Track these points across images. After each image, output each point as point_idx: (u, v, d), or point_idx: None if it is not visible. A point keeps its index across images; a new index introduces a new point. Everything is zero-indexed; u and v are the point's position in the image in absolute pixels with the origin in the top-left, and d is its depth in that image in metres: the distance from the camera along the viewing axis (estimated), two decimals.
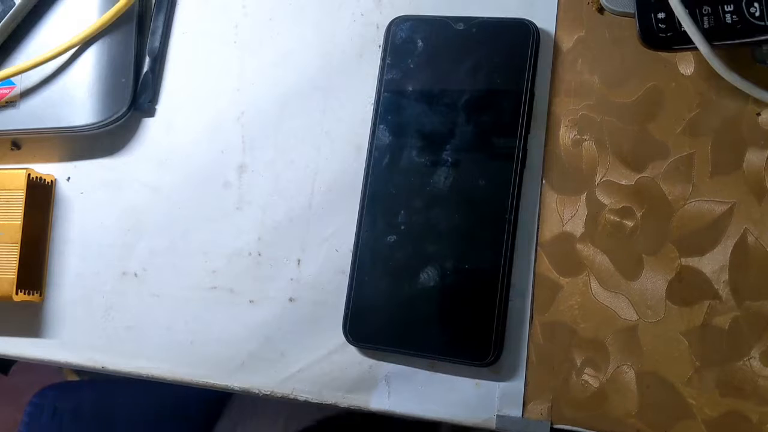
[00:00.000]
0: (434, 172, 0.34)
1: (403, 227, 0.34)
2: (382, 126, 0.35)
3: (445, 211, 0.33)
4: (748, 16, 0.28)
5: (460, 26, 0.34)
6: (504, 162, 0.33)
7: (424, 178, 0.34)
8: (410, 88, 0.35)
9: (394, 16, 0.36)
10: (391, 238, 0.34)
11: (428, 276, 0.33)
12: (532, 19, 0.34)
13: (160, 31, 0.40)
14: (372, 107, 0.36)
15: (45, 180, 0.40)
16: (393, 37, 0.36)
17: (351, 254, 0.35)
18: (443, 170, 0.34)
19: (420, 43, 0.35)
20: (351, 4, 0.38)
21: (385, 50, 0.36)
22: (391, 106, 0.35)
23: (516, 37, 0.34)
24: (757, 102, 0.31)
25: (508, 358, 0.33)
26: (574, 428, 0.32)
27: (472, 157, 0.33)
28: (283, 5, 0.39)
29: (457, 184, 0.33)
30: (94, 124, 0.39)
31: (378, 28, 0.37)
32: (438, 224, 0.33)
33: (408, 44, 0.35)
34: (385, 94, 0.35)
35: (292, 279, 0.36)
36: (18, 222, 0.38)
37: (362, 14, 0.38)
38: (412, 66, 0.35)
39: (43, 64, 0.39)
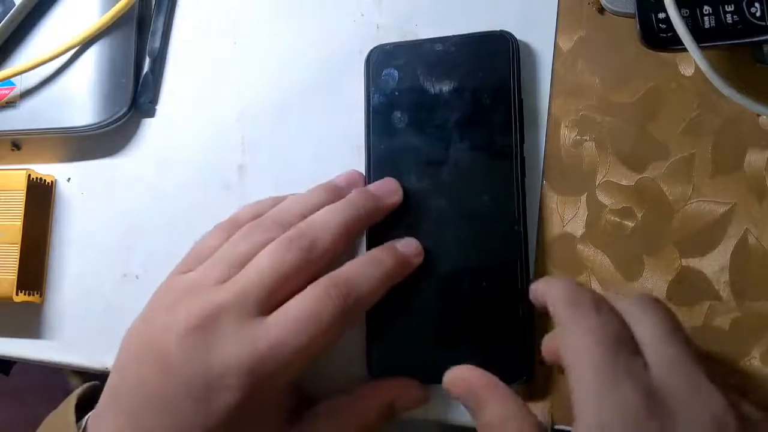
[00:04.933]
0: (434, 196, 0.33)
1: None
2: (374, 158, 0.34)
3: (453, 231, 0.33)
4: (748, 16, 0.28)
5: (439, 47, 0.34)
6: (504, 173, 0.33)
7: (425, 202, 0.33)
8: (399, 117, 0.34)
9: (394, 19, 0.36)
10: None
11: (447, 298, 0.32)
12: (532, 19, 0.34)
13: (160, 32, 0.40)
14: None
15: (45, 180, 0.40)
16: (374, 68, 0.35)
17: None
18: (443, 193, 0.33)
19: (401, 71, 0.35)
20: (351, 4, 0.38)
21: (368, 81, 0.35)
22: (381, 138, 0.34)
23: (495, 49, 0.33)
24: None
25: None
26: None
27: (471, 175, 0.33)
28: (283, 5, 0.39)
29: (460, 203, 0.33)
30: (94, 124, 0.39)
31: (378, 28, 0.37)
32: (447, 247, 0.33)
33: (390, 73, 0.35)
34: (374, 127, 0.35)
35: None
36: (18, 222, 0.38)
37: (362, 14, 0.38)
38: (397, 94, 0.35)
39: (43, 65, 0.39)
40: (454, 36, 0.34)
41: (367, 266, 0.30)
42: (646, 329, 0.25)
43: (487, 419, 0.27)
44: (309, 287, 0.28)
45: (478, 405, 0.28)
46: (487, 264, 0.32)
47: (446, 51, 0.34)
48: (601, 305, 0.26)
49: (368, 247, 0.33)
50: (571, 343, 0.25)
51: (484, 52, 0.34)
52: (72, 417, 0.30)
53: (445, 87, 0.34)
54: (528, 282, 0.31)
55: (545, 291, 0.28)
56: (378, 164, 0.34)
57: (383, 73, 0.35)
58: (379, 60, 0.35)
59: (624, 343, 0.25)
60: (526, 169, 0.33)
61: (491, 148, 0.33)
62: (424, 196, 0.33)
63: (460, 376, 0.29)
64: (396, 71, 0.35)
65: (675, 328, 0.26)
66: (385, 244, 0.31)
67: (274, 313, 0.28)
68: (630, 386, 0.23)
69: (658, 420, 0.23)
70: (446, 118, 0.34)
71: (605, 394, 0.23)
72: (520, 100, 0.33)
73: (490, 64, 0.33)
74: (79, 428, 0.29)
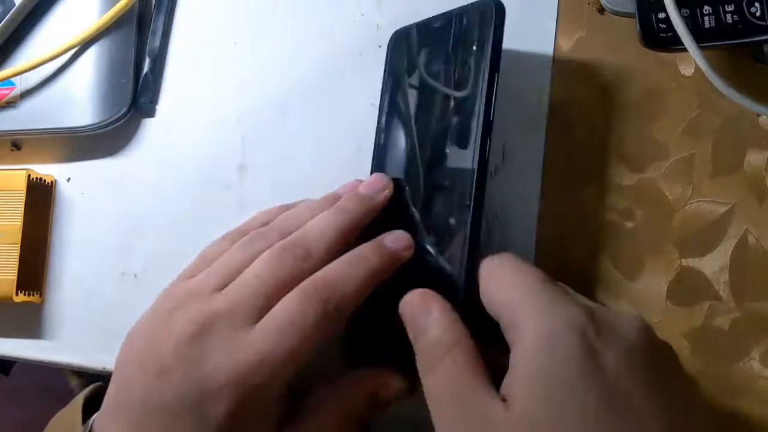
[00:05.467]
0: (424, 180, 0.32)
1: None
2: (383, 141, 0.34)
3: (424, 212, 0.31)
4: (748, 16, 0.28)
5: (438, 24, 0.33)
6: (463, 141, 0.30)
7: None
8: (410, 101, 0.34)
9: (394, 19, 0.36)
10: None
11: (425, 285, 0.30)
12: (532, 19, 0.34)
13: (160, 32, 0.40)
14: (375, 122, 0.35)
15: (45, 180, 0.40)
16: (390, 52, 0.35)
17: None
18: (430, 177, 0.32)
19: (410, 51, 0.34)
20: (351, 4, 0.38)
21: (385, 67, 0.35)
22: (390, 124, 0.34)
23: (481, 19, 0.31)
24: None
25: None
26: None
27: (441, 154, 0.31)
28: (283, 6, 0.39)
29: (430, 183, 0.31)
30: (94, 124, 0.39)
31: (378, 28, 0.37)
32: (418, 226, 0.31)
33: (399, 55, 0.35)
34: (387, 111, 0.34)
35: None
36: (18, 223, 0.38)
37: (362, 14, 0.38)
38: (408, 76, 0.34)
39: (43, 65, 0.39)
40: (447, 12, 0.33)
41: (351, 266, 0.29)
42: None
43: (422, 346, 0.27)
44: (292, 292, 0.28)
45: (414, 329, 0.28)
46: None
47: (442, 26, 0.33)
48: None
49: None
50: (505, 283, 0.27)
51: (472, 22, 0.32)
52: (79, 418, 0.30)
53: (445, 62, 0.33)
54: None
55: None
56: (385, 147, 0.34)
57: (395, 56, 0.35)
58: (394, 43, 0.35)
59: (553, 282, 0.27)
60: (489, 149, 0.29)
61: (459, 124, 0.31)
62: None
63: (404, 299, 0.29)
64: (405, 53, 0.35)
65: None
66: (374, 240, 0.31)
67: (262, 321, 0.28)
68: (574, 304, 0.25)
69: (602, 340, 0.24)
70: (448, 94, 0.32)
71: (550, 310, 0.25)
72: (495, 65, 0.30)
73: (477, 33, 0.31)
74: (85, 429, 0.29)
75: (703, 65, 0.28)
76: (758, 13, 0.28)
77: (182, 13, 0.41)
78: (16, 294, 0.37)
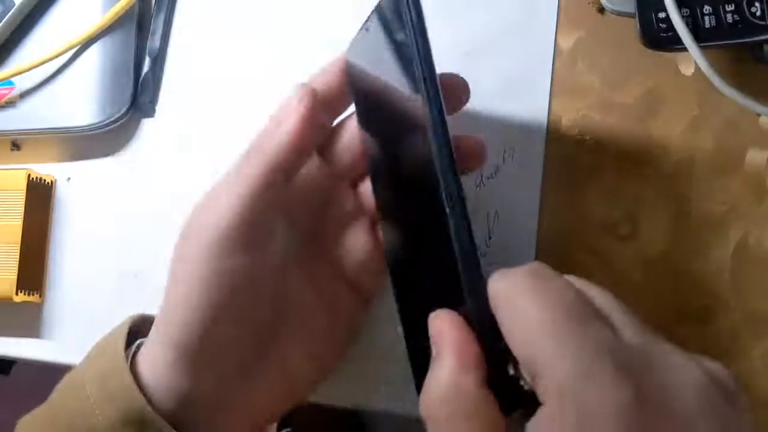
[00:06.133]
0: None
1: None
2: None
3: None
4: (748, 15, 0.28)
5: (367, 28, 0.30)
6: (421, 152, 0.26)
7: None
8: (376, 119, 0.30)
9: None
10: None
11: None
12: (532, 19, 0.34)
13: (160, 32, 0.40)
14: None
15: (45, 180, 0.40)
16: (349, 67, 0.31)
17: None
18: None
19: (356, 65, 0.31)
20: (351, 4, 0.38)
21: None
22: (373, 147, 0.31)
23: (395, 11, 0.28)
24: None
25: None
26: None
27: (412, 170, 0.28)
28: (283, 5, 0.39)
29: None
30: (94, 124, 0.39)
31: None
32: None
33: (353, 69, 0.31)
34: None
35: None
36: (18, 222, 0.38)
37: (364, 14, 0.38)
38: (365, 94, 0.31)
39: (43, 65, 0.39)
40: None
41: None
42: (601, 300, 0.23)
43: (430, 389, 0.22)
44: None
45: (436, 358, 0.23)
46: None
47: (367, 31, 0.30)
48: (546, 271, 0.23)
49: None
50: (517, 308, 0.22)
51: (391, 14, 0.28)
52: (122, 344, 0.29)
53: (386, 66, 0.29)
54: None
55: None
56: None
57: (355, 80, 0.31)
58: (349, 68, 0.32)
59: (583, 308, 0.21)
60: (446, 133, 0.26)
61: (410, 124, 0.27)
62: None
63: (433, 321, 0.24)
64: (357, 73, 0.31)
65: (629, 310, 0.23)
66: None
67: None
68: (612, 371, 0.19)
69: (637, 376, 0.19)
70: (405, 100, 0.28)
71: (583, 381, 0.19)
72: (426, 48, 0.26)
73: (398, 24, 0.27)
74: (127, 356, 0.29)
75: (703, 65, 0.28)
76: (758, 13, 0.28)
77: (182, 13, 0.41)
78: (16, 294, 0.37)
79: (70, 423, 0.28)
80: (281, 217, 0.30)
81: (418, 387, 0.25)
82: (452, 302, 0.25)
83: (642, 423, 0.18)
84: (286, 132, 0.29)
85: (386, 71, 0.29)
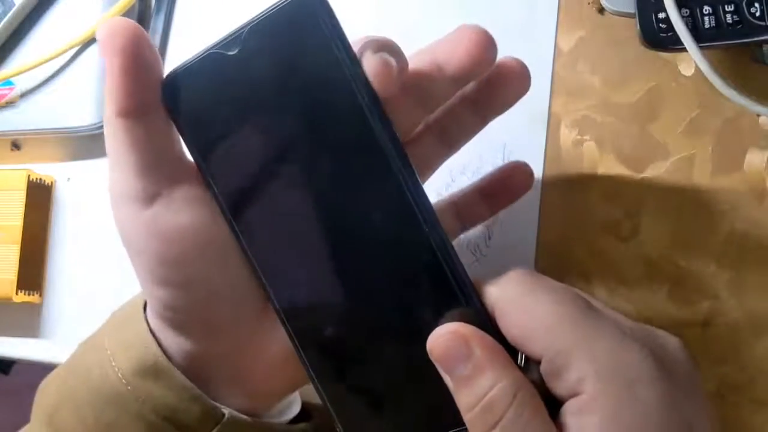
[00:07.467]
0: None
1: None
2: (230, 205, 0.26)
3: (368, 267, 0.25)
4: (748, 16, 0.28)
5: (235, 51, 0.25)
6: (381, 174, 0.24)
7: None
8: (230, 144, 0.26)
9: (391, 25, 0.36)
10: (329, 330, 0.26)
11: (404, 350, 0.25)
12: (532, 19, 0.34)
13: (160, 32, 0.40)
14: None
15: (45, 180, 0.40)
16: (173, 100, 0.26)
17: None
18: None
19: (207, 94, 0.25)
20: (350, 4, 0.38)
21: (174, 117, 0.26)
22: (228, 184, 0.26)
23: (303, 21, 0.25)
24: None
25: None
26: None
27: (348, 189, 0.25)
28: None
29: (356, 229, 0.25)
30: (94, 124, 0.39)
31: (378, 31, 0.37)
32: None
33: (193, 100, 0.26)
34: (213, 171, 0.26)
35: None
36: (18, 222, 0.38)
37: (363, 18, 0.38)
38: (215, 121, 0.26)
39: (43, 65, 0.39)
40: (242, 29, 0.25)
41: None
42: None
43: (472, 398, 0.22)
44: None
45: (457, 379, 0.23)
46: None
47: (244, 50, 0.25)
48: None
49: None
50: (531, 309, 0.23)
51: (292, 30, 0.25)
52: (140, 301, 0.29)
53: (268, 91, 0.25)
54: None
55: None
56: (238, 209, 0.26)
57: (185, 102, 0.26)
58: (174, 88, 0.25)
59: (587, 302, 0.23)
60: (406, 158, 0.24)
61: (353, 143, 0.25)
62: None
63: (432, 340, 0.23)
64: (199, 98, 0.26)
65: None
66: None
67: None
68: (630, 343, 0.22)
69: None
70: (289, 125, 0.25)
71: (612, 358, 0.21)
72: (358, 72, 0.24)
73: (303, 40, 0.24)
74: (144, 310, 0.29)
75: (703, 65, 0.28)
76: (758, 13, 0.28)
77: (182, 13, 0.41)
78: (16, 294, 0.37)
79: (87, 374, 0.27)
80: None
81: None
82: (417, 334, 0.24)
83: (669, 381, 0.22)
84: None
85: (267, 92, 0.25)
